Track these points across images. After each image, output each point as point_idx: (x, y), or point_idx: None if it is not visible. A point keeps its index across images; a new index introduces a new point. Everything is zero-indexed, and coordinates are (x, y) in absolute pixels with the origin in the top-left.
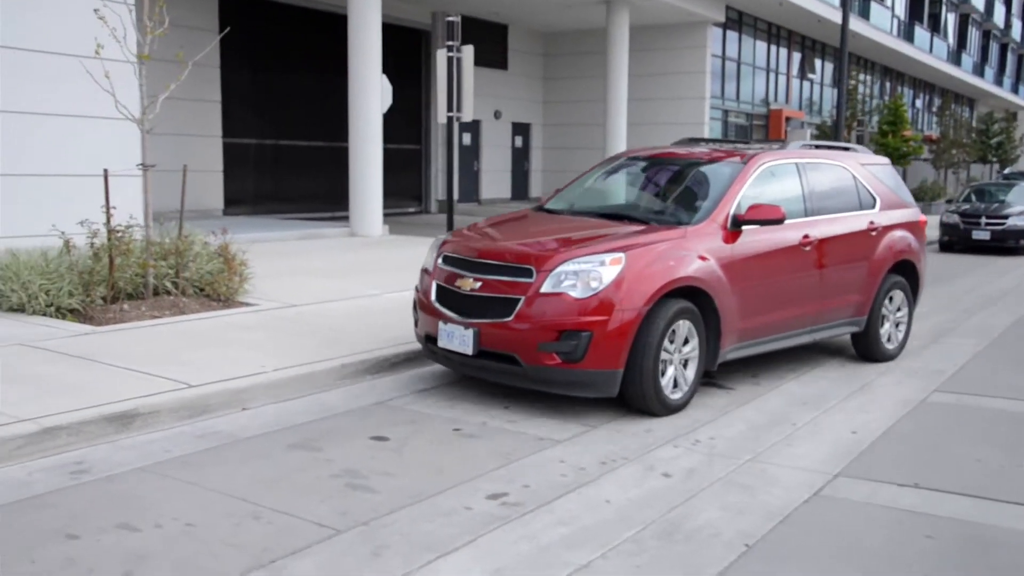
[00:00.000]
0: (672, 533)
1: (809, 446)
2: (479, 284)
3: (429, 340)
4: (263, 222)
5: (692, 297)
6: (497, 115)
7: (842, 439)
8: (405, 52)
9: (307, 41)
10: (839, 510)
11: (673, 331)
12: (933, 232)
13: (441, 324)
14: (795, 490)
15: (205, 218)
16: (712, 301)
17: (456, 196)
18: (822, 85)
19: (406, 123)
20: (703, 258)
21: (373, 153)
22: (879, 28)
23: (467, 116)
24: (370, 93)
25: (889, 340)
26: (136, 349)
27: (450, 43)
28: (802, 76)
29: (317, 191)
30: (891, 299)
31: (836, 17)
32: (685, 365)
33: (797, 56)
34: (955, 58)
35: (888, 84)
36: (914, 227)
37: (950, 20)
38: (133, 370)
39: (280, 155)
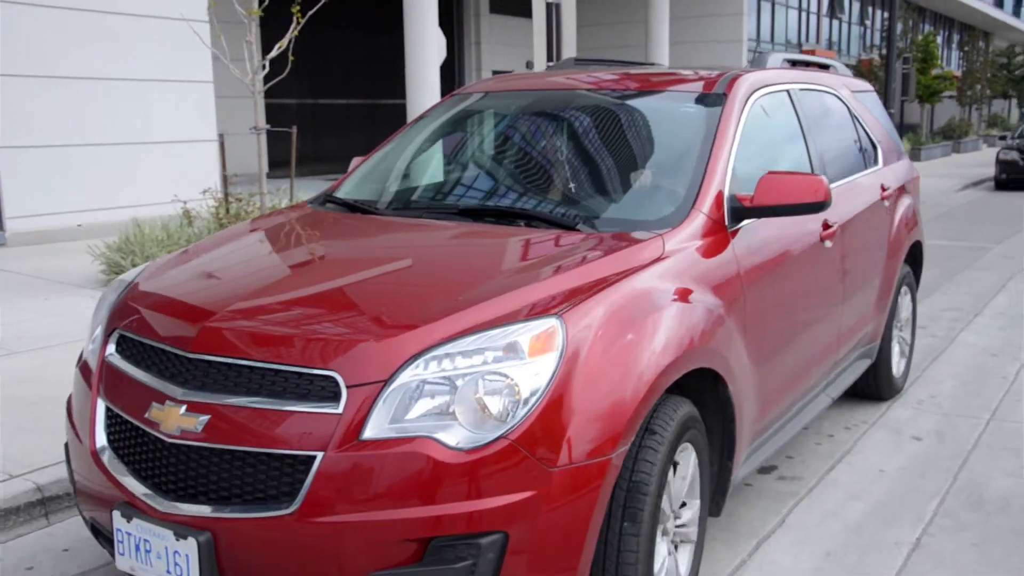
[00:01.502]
0: (980, 504)
1: None
2: (204, 420)
3: (98, 534)
4: (311, 184)
5: (686, 388)
6: (529, 66)
7: None
8: None
9: None
10: None
11: (674, 468)
12: (982, 171)
13: (117, 514)
14: None
15: (252, 182)
16: (725, 387)
17: None
18: (849, 24)
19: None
20: (683, 294)
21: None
22: None
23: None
24: (427, 45)
25: (896, 364)
26: None
27: None
28: (832, 15)
29: (352, 150)
30: (900, 303)
31: None
32: (678, 525)
33: None
34: None
35: (911, 21)
36: (915, 187)
37: None
38: None
39: (318, 114)
